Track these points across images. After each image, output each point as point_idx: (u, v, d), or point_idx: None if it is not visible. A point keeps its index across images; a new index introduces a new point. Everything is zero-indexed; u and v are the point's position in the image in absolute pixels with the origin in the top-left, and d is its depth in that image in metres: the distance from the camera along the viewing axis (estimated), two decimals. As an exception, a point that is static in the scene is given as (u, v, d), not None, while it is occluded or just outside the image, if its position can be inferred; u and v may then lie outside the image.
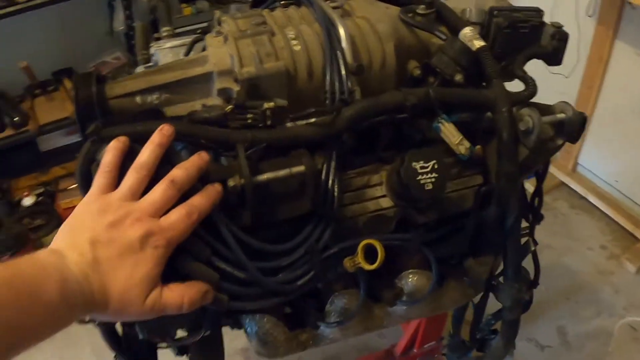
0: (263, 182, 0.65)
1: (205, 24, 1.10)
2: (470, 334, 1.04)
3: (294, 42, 0.81)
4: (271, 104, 0.71)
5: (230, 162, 0.68)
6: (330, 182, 0.71)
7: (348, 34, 0.78)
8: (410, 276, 0.83)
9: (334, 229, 0.72)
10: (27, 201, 2.53)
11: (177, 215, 0.61)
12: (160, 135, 0.66)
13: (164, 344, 0.75)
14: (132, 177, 0.63)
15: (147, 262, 0.59)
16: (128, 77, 0.86)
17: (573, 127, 0.84)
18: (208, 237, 0.63)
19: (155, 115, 0.77)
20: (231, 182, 0.64)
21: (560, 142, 0.83)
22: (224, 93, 0.81)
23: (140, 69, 1.11)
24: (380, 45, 0.82)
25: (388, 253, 0.74)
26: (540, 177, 1.06)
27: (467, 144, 0.76)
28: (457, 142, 0.75)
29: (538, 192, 1.07)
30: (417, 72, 0.85)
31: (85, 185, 0.69)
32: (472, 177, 0.81)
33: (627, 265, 2.44)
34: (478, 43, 0.82)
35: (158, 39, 1.20)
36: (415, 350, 1.77)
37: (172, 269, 0.61)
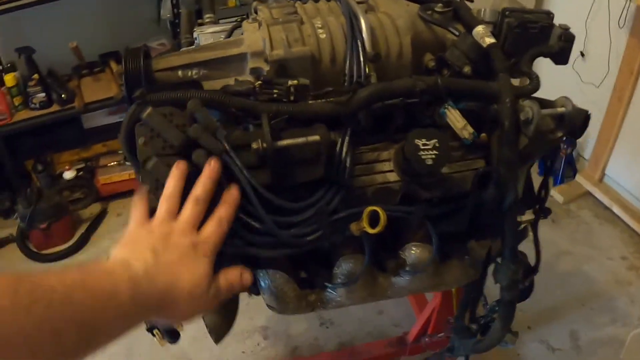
0: (282, 147, 0.74)
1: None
2: (470, 315, 1.11)
3: (320, 30, 0.91)
4: (295, 82, 0.80)
5: (255, 129, 0.78)
6: (344, 154, 0.80)
7: (369, 26, 0.87)
8: (413, 248, 0.91)
9: (344, 196, 0.81)
10: (68, 175, 2.69)
11: (210, 228, 0.70)
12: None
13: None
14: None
15: (203, 264, 0.67)
16: (172, 53, 0.97)
17: (574, 122, 0.90)
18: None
19: (193, 86, 0.88)
20: (254, 145, 0.74)
21: (559, 134, 0.90)
22: (255, 72, 0.91)
23: (183, 50, 1.23)
24: (398, 38, 0.90)
25: (394, 226, 0.82)
26: (547, 170, 1.11)
27: (470, 129, 0.83)
28: (461, 127, 0.83)
29: (544, 184, 1.12)
30: (432, 64, 0.93)
31: (129, 141, 0.80)
32: (475, 161, 0.88)
33: (646, 277, 2.43)
34: (489, 40, 0.90)
35: (201, 24, 1.31)
36: (426, 339, 1.82)
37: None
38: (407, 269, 0.91)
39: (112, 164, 2.73)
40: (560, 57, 0.94)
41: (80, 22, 2.69)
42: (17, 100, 2.52)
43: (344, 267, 0.87)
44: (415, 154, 0.76)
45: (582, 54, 2.63)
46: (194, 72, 0.95)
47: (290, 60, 0.87)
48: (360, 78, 0.84)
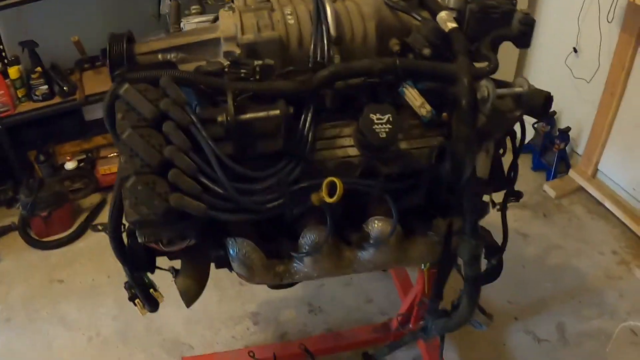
0: (245, 120, 0.80)
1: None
2: (435, 288, 1.15)
3: (289, 17, 0.97)
4: (260, 62, 0.86)
5: (222, 105, 0.84)
6: (306, 129, 0.85)
7: (333, 12, 0.93)
8: (376, 222, 0.95)
9: (305, 168, 0.86)
10: (69, 165, 2.75)
11: None
12: None
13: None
14: None
15: None
16: (153, 38, 1.04)
17: (533, 102, 0.95)
18: (196, 157, 0.79)
19: (168, 67, 0.94)
20: (219, 118, 0.80)
21: (518, 113, 0.94)
22: (228, 55, 0.97)
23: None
24: (363, 23, 0.96)
25: (358, 201, 0.87)
26: (516, 152, 1.15)
27: (428, 107, 0.88)
28: (419, 104, 0.88)
29: (513, 166, 1.16)
30: (397, 48, 0.98)
31: (110, 115, 0.86)
32: (434, 138, 0.93)
33: (636, 272, 2.45)
34: (451, 25, 0.94)
35: (188, 15, 1.38)
36: (410, 326, 1.86)
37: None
38: (371, 241, 0.96)
39: (112, 155, 2.80)
40: (521, 40, 0.99)
41: (83, 17, 2.76)
42: (20, 92, 2.60)
43: (308, 237, 0.92)
44: (369, 127, 0.81)
45: (575, 50, 2.66)
46: (173, 55, 1.01)
47: (260, 44, 0.93)
48: (323, 59, 0.89)
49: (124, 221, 0.94)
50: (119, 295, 2.09)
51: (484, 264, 1.20)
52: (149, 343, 2.10)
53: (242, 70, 0.86)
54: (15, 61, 2.58)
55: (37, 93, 2.61)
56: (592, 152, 2.76)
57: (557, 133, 2.84)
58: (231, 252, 0.93)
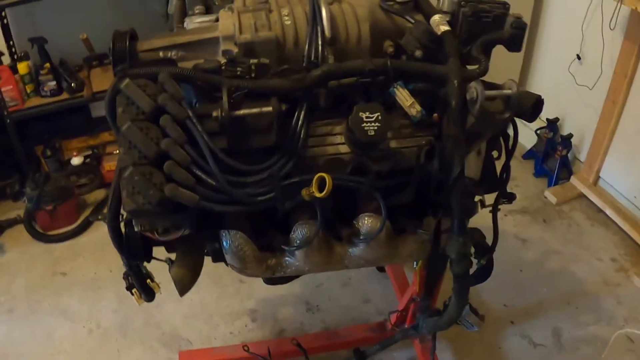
0: (239, 115, 0.83)
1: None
2: (426, 286, 1.17)
3: (286, 17, 1.00)
4: (255, 61, 0.89)
5: (218, 101, 0.87)
6: (299, 125, 0.88)
7: (329, 13, 0.96)
8: (366, 218, 0.98)
9: (297, 163, 0.89)
10: (76, 161, 2.80)
11: None
12: None
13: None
14: None
15: None
16: (155, 36, 1.07)
17: (523, 104, 0.97)
18: (191, 150, 0.82)
19: (168, 63, 0.97)
20: (214, 114, 0.83)
21: (507, 115, 0.96)
22: (226, 53, 1.00)
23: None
24: (357, 25, 0.99)
25: (349, 198, 0.90)
26: (509, 154, 1.17)
27: (418, 107, 0.91)
28: (409, 104, 0.90)
29: (506, 167, 1.18)
30: (391, 49, 1.01)
31: (111, 109, 0.90)
32: (424, 138, 0.95)
33: (634, 280, 2.45)
34: (443, 28, 0.97)
35: (191, 15, 1.41)
36: (405, 325, 1.88)
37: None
38: (361, 237, 0.98)
39: (118, 151, 2.84)
40: (512, 44, 1.01)
41: (92, 15, 2.81)
42: (29, 88, 2.65)
43: (299, 231, 0.95)
44: (358, 125, 0.84)
45: (579, 57, 2.67)
46: (174, 53, 1.05)
47: (257, 44, 0.96)
48: (317, 59, 0.92)
49: (122, 211, 0.97)
50: (119, 289, 2.12)
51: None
52: (148, 336, 2.13)
53: (238, 68, 0.89)
54: (25, 57, 2.63)
55: (45, 89, 2.65)
56: (594, 159, 2.76)
57: (560, 139, 2.85)
58: (224, 244, 0.96)
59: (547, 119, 2.85)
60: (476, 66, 1.03)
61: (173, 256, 1.14)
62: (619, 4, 2.23)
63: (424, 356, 1.86)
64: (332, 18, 0.96)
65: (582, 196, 2.85)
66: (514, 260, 2.47)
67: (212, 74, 0.89)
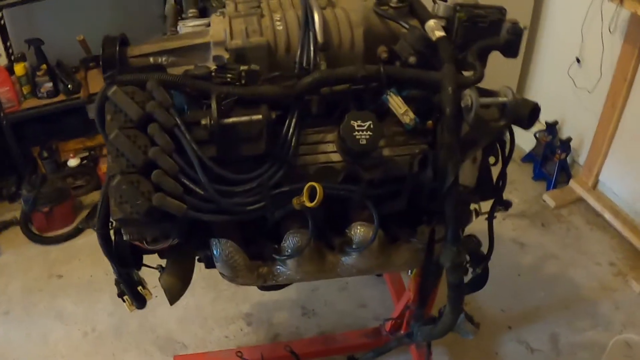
0: (228, 124, 0.81)
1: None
2: (420, 294, 1.16)
3: (278, 23, 0.98)
4: (246, 67, 0.87)
5: (207, 108, 0.85)
6: (290, 134, 0.86)
7: (321, 19, 0.95)
8: (359, 227, 0.96)
9: (288, 172, 0.87)
10: (72, 162, 2.78)
11: None
12: None
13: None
14: None
15: None
16: (146, 42, 1.06)
17: (519, 112, 0.95)
18: (179, 159, 0.81)
19: (157, 70, 0.95)
20: (203, 121, 0.81)
21: (503, 122, 0.95)
22: (217, 59, 0.98)
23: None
24: (350, 30, 0.97)
25: (341, 207, 0.88)
26: (505, 161, 1.16)
27: (411, 115, 0.89)
28: (402, 112, 0.89)
29: (502, 175, 1.17)
30: (385, 55, 1.00)
31: (100, 116, 0.88)
32: (417, 146, 0.94)
33: (632, 284, 2.43)
34: (439, 33, 0.95)
35: (184, 19, 1.39)
36: (402, 332, 1.87)
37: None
38: (354, 246, 0.97)
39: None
40: (508, 50, 0.99)
41: (89, 16, 2.80)
42: (25, 89, 2.64)
43: (290, 240, 0.94)
44: (350, 134, 0.83)
45: (578, 60, 2.65)
46: (164, 59, 1.03)
47: (248, 49, 0.95)
48: (308, 65, 0.90)
49: (112, 219, 0.96)
50: (115, 292, 2.12)
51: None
52: (143, 340, 2.12)
53: (228, 75, 0.87)
54: (22, 58, 2.62)
55: (42, 90, 2.64)
56: (593, 163, 2.75)
57: (559, 143, 2.83)
58: (215, 252, 0.95)
59: (546, 122, 2.83)
60: (471, 72, 1.02)
61: (164, 262, 1.13)
62: (618, 7, 2.22)
63: (420, 362, 1.85)
64: (324, 23, 0.94)
65: (580, 200, 2.83)
66: (511, 264, 2.46)
67: (201, 81, 0.87)
